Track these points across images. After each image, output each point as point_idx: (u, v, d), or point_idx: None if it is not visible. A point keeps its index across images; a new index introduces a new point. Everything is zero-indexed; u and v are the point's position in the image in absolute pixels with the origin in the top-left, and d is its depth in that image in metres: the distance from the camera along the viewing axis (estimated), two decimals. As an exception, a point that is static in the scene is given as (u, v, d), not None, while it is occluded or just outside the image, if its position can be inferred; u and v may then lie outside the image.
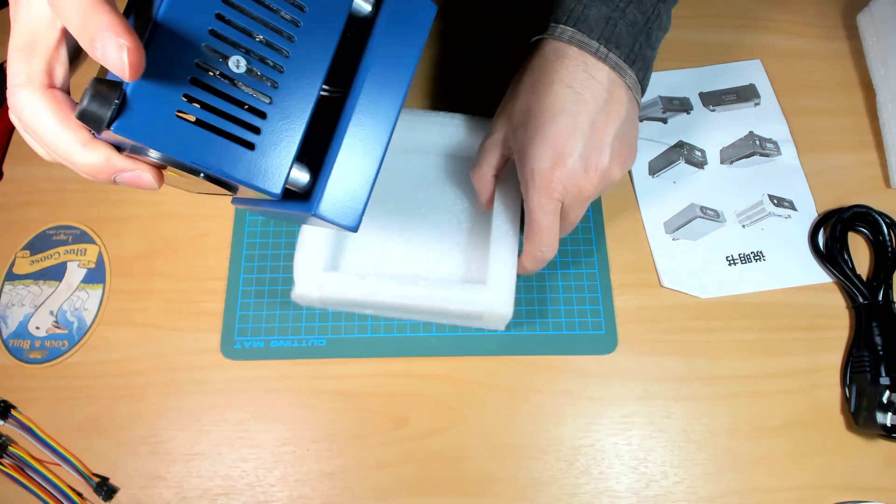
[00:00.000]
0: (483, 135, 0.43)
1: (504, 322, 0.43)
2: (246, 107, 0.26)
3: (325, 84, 0.29)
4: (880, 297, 0.44)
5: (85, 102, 0.23)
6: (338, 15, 0.28)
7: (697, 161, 0.49)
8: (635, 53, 0.37)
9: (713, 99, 0.51)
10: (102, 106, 0.23)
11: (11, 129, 0.51)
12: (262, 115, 0.27)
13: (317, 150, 0.30)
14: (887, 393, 0.40)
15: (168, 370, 0.44)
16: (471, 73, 0.53)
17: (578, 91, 0.36)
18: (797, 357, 0.44)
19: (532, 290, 0.46)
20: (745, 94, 0.51)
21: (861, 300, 0.44)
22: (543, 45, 0.38)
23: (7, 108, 0.52)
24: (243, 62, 0.26)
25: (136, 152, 0.27)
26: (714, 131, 0.50)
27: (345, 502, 0.41)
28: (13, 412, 0.43)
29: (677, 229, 0.47)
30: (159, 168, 0.28)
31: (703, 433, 0.42)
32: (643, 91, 0.39)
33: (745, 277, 0.46)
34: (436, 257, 0.45)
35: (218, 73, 0.26)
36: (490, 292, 0.41)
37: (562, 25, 0.37)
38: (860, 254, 0.46)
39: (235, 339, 0.44)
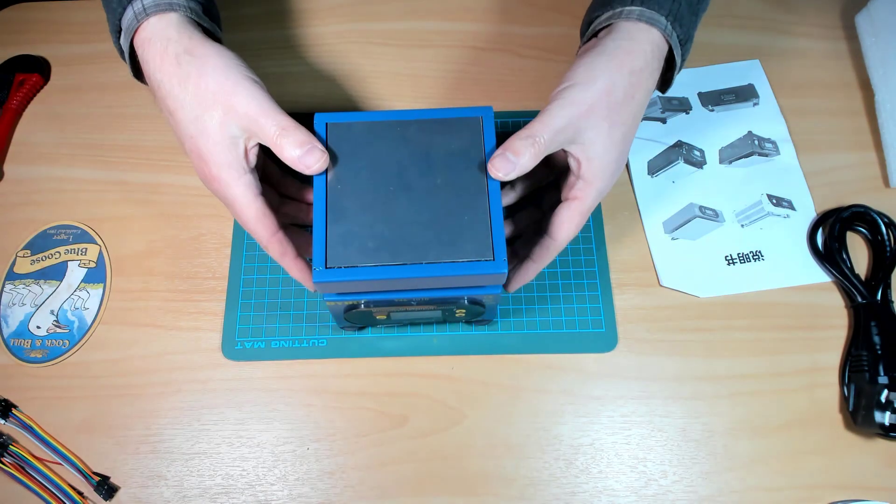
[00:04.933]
0: None
1: None
2: None
3: None
4: (878, 297, 0.44)
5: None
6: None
7: (696, 161, 0.49)
8: (687, 33, 0.39)
9: (712, 99, 0.51)
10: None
11: (12, 128, 0.51)
12: None
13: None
14: (885, 392, 0.40)
15: (168, 370, 0.44)
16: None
17: (654, 83, 0.38)
18: (796, 356, 0.44)
19: (532, 289, 0.46)
20: (744, 94, 0.51)
21: (860, 299, 0.44)
22: (615, 28, 0.38)
23: (8, 109, 0.52)
24: None
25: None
26: (713, 131, 0.50)
27: (344, 501, 0.41)
28: (14, 411, 0.43)
29: (676, 229, 0.47)
30: None
31: (702, 432, 0.42)
32: (679, 70, 0.41)
33: (744, 277, 0.46)
34: None
35: None
36: None
37: (629, 7, 0.38)
38: (859, 253, 0.46)
39: (236, 340, 0.45)
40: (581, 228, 0.39)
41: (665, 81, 0.42)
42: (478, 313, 0.39)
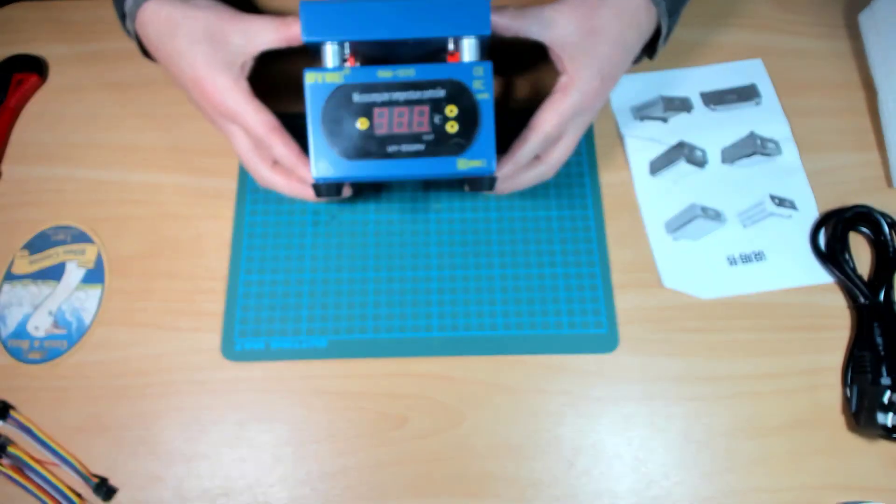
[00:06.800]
0: None
1: None
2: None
3: None
4: (881, 297, 0.44)
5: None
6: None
7: (698, 160, 0.49)
8: (675, 7, 0.42)
9: (714, 98, 0.51)
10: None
11: (9, 128, 0.51)
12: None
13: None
14: (888, 393, 0.40)
15: (167, 370, 0.44)
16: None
17: (643, 33, 0.41)
18: (798, 357, 0.44)
19: (533, 289, 0.46)
20: (746, 94, 0.51)
21: (862, 300, 0.44)
22: None
23: (6, 109, 0.52)
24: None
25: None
26: (715, 131, 0.50)
27: (344, 502, 0.41)
28: (12, 412, 0.43)
29: (678, 229, 0.47)
30: None
31: (704, 433, 0.42)
32: (665, 42, 0.44)
33: (746, 277, 0.46)
34: None
35: None
36: None
37: None
38: (861, 254, 0.46)
39: (236, 341, 0.44)
40: (560, 128, 0.39)
41: (652, 50, 0.45)
42: (470, 124, 0.36)
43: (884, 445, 0.42)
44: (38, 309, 0.46)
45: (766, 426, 0.42)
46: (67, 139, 0.51)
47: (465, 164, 0.36)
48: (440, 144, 0.36)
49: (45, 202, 0.49)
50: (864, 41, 0.51)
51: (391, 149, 0.36)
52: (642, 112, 0.51)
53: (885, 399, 0.40)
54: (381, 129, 0.36)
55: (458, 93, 0.36)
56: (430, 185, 0.48)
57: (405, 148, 0.36)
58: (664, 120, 0.50)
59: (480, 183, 0.38)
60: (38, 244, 0.47)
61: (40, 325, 0.45)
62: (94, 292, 0.46)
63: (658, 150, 0.50)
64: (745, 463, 0.41)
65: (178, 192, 0.49)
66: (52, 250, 0.47)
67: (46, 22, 0.55)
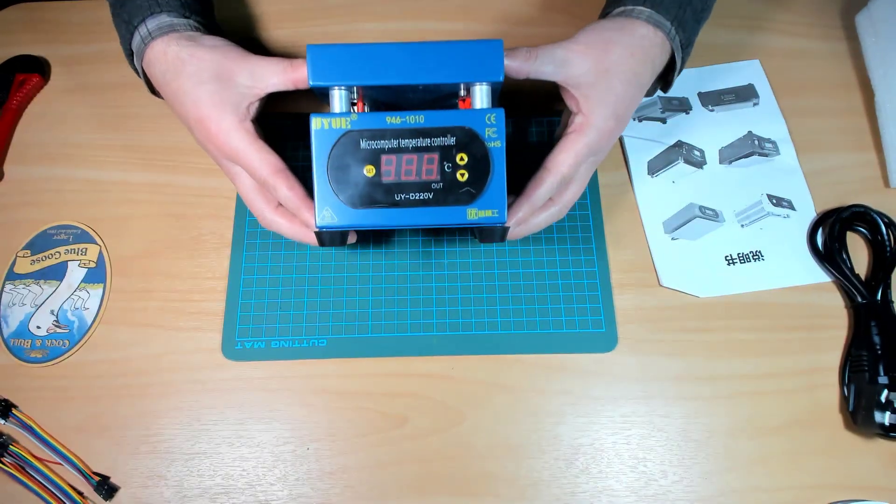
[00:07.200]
0: None
1: None
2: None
3: None
4: (878, 297, 0.44)
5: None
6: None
7: (696, 161, 0.49)
8: (689, 39, 0.42)
9: (712, 99, 0.51)
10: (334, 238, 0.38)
11: (12, 128, 0.51)
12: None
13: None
14: (885, 392, 0.40)
15: (168, 370, 0.44)
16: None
17: (656, 69, 0.41)
18: (796, 356, 0.44)
19: (532, 288, 0.46)
20: (744, 94, 0.51)
21: (859, 299, 0.44)
22: (624, 19, 0.41)
23: (8, 109, 0.52)
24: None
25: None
26: (713, 131, 0.50)
27: (344, 502, 0.41)
28: (14, 411, 0.43)
29: (676, 229, 0.47)
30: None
31: (702, 432, 0.42)
32: (678, 74, 0.44)
33: (744, 277, 0.46)
34: None
35: None
36: None
37: (639, 7, 0.41)
38: (858, 253, 0.46)
39: (236, 340, 0.45)
40: (575, 169, 0.38)
41: (666, 83, 0.44)
42: (481, 173, 0.35)
43: (881, 444, 0.42)
44: (39, 308, 0.46)
45: (764, 425, 0.42)
46: (69, 139, 0.51)
47: (474, 214, 0.35)
48: (449, 193, 0.35)
49: (46, 202, 0.49)
50: (861, 42, 0.51)
51: (398, 197, 0.35)
52: (641, 113, 0.51)
53: (883, 398, 0.40)
54: (389, 177, 0.35)
55: (469, 140, 0.35)
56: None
57: (413, 196, 0.35)
58: (662, 120, 0.51)
59: (492, 234, 0.37)
60: (39, 244, 0.48)
61: (42, 325, 0.45)
62: (95, 292, 0.46)
63: (656, 150, 0.50)
64: (743, 462, 0.42)
65: (178, 191, 0.49)
66: (53, 250, 0.47)
67: (48, 23, 0.55)
